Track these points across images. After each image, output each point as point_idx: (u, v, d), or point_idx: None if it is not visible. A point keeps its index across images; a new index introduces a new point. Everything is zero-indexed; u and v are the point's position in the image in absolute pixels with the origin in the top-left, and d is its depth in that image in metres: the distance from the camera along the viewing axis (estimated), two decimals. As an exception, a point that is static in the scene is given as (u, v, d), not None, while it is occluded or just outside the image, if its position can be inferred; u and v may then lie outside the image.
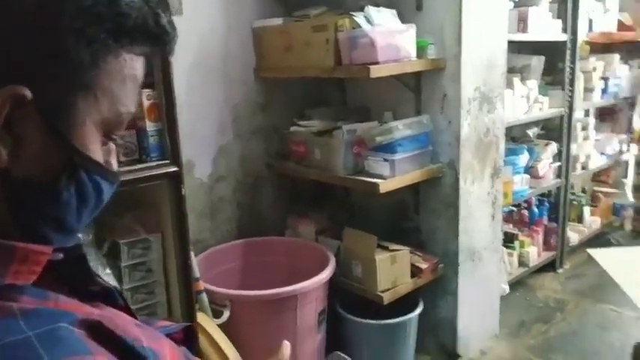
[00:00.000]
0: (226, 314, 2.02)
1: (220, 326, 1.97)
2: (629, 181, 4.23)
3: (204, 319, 1.95)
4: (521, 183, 3.10)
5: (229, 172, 2.48)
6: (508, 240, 3.30)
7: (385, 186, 2.14)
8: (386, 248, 2.26)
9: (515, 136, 3.48)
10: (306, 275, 2.10)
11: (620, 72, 3.78)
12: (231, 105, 2.44)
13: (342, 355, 0.99)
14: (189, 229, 1.74)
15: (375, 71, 2.00)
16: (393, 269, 2.23)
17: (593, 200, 4.12)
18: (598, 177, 4.36)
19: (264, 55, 2.46)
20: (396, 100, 2.42)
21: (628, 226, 4.17)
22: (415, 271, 2.32)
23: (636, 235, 4.13)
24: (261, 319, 2.06)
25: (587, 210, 3.90)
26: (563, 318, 3.02)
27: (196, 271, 1.99)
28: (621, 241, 3.98)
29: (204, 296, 2.02)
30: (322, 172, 2.35)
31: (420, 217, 2.48)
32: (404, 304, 2.32)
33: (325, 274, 2.12)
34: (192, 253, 1.84)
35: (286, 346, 1.01)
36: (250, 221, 2.57)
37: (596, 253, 1.48)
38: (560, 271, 3.56)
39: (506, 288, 3.03)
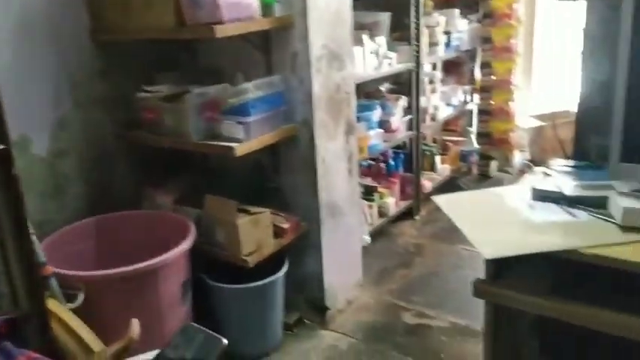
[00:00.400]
0: (80, 297, 1.89)
1: (76, 311, 1.84)
2: (473, 129, 4.57)
3: (55, 306, 1.81)
4: (375, 137, 3.22)
5: (72, 146, 2.28)
6: (368, 193, 3.43)
7: (241, 149, 2.10)
8: (247, 211, 2.24)
9: (368, 92, 3.59)
10: (167, 247, 2.02)
11: (460, 26, 4.02)
12: (67, 72, 2.23)
13: (195, 325, 0.95)
14: (30, 211, 1.57)
15: (220, 31, 1.93)
16: (255, 232, 2.22)
17: (444, 149, 4.41)
18: (446, 127, 4.67)
19: (98, 16, 2.26)
20: (247, 62, 2.36)
21: (474, 171, 4.54)
22: (278, 232, 2.34)
23: (482, 178, 4.51)
24: (121, 298, 1.95)
25: (438, 159, 4.16)
26: (422, 261, 3.23)
27: (41, 256, 1.83)
28: (469, 185, 4.33)
29: (54, 281, 1.86)
30: (175, 138, 2.25)
31: (280, 177, 2.48)
32: (270, 265, 2.33)
33: (185, 245, 2.06)
34: (34, 237, 1.68)
35: (135, 324, 0.97)
36: (102, 196, 2.41)
37: (439, 199, 1.57)
38: (417, 218, 3.79)
39: (368, 238, 3.16)
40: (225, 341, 0.90)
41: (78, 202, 2.33)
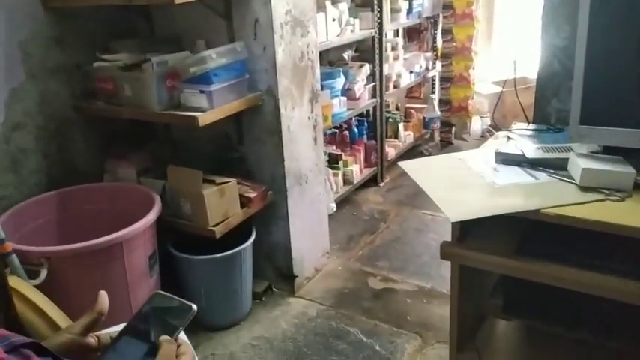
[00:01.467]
0: (44, 273, 1.85)
1: (40, 287, 1.80)
2: (435, 96, 4.61)
3: (18, 283, 1.77)
4: (339, 105, 3.21)
5: (28, 118, 2.20)
6: (333, 161, 3.44)
7: (204, 119, 2.06)
8: (213, 182, 2.22)
9: (332, 59, 3.57)
10: (132, 220, 1.99)
11: (421, -8, 4.01)
12: (18, 41, 2.13)
13: (163, 292, 0.95)
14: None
15: (179, -4, 1.88)
16: (222, 202, 2.21)
17: (407, 116, 4.44)
18: (409, 94, 4.69)
19: (51, -18, 2.17)
20: (208, 28, 2.31)
21: (437, 138, 4.60)
22: (245, 202, 2.33)
23: (444, 144, 4.58)
24: (86, 273, 1.92)
25: (401, 126, 4.19)
26: (387, 227, 3.28)
27: (0, 232, 1.78)
28: (432, 152, 4.39)
29: (15, 258, 1.82)
30: (135, 109, 2.19)
31: (245, 146, 2.46)
32: (238, 235, 2.33)
33: (151, 217, 2.03)
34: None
35: (103, 296, 0.95)
36: (62, 170, 2.34)
37: (406, 165, 1.59)
38: (381, 185, 3.84)
39: (334, 206, 3.19)
40: (195, 307, 0.90)
41: (37, 176, 2.27)
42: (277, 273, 2.63)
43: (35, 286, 1.79)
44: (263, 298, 2.59)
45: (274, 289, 2.64)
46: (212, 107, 2.09)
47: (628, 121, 1.30)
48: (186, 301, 0.91)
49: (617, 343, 1.34)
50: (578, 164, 1.31)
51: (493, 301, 1.46)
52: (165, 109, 2.15)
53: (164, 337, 0.85)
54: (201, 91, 2.08)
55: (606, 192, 1.27)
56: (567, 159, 1.39)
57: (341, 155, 3.50)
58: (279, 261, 2.61)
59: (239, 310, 2.44)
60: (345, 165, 3.52)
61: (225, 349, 2.29)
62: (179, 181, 2.24)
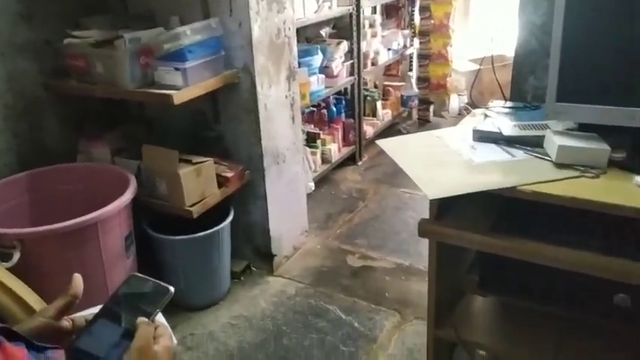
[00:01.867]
0: (16, 256, 1.81)
1: (13, 270, 1.76)
2: (413, 74, 4.60)
3: (-11, 266, 1.73)
4: (317, 83, 3.18)
5: (-4, 97, 2.14)
6: (311, 140, 3.43)
7: (179, 97, 2.03)
8: (189, 161, 2.19)
9: (309, 36, 3.52)
10: (106, 201, 1.96)
11: (399, -31, 3.97)
12: (-16, 17, 2.06)
13: (139, 275, 0.93)
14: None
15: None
16: (198, 182, 2.18)
17: (385, 94, 4.43)
18: (387, 72, 4.68)
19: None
20: (182, 4, 2.25)
21: (415, 116, 4.60)
22: (222, 181, 2.30)
23: (422, 122, 4.59)
24: (60, 255, 1.89)
25: (379, 104, 4.18)
26: (365, 205, 3.29)
27: (-30, 215, 1.74)
28: (410, 130, 4.40)
29: (-15, 240, 1.78)
30: (108, 87, 2.14)
31: (222, 125, 2.43)
32: (215, 215, 2.31)
33: (126, 197, 2.00)
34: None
35: (77, 278, 0.93)
36: (33, 150, 2.29)
37: (384, 143, 1.58)
38: (359, 163, 3.84)
39: (312, 185, 3.18)
40: (172, 289, 0.89)
41: (7, 156, 2.21)
42: (256, 252, 2.62)
43: (8, 269, 1.76)
44: (242, 278, 2.58)
45: (253, 268, 2.64)
46: (187, 85, 2.05)
47: (604, 98, 1.30)
48: (163, 283, 0.89)
49: (590, 318, 1.36)
50: (554, 141, 1.32)
51: (470, 278, 1.47)
52: (139, 87, 2.11)
53: (141, 320, 0.83)
54: (176, 69, 2.04)
55: (581, 169, 1.28)
56: (544, 136, 1.40)
57: (319, 134, 3.49)
58: (257, 240, 2.60)
59: (218, 290, 2.43)
60: (323, 143, 3.51)
61: (204, 329, 2.28)
62: (154, 160, 2.20)
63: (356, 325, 2.27)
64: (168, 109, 2.22)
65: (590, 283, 1.25)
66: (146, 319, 0.84)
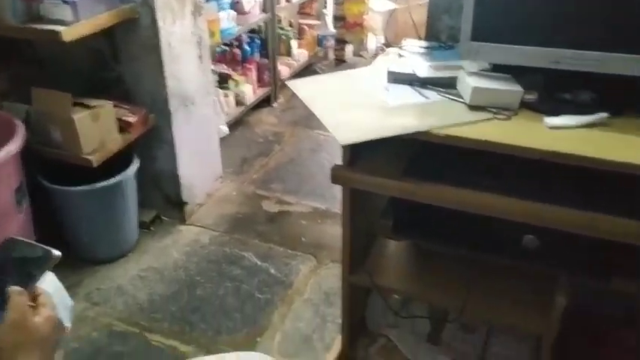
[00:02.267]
0: None
1: None
2: (329, 12, 4.47)
3: None
4: (227, 20, 3.00)
5: None
6: (223, 81, 3.27)
7: (69, 33, 1.82)
8: (85, 105, 2.00)
9: (218, -31, 3.29)
10: (-9, 150, 1.76)
11: None
12: None
13: (18, 238, 0.83)
14: None
15: None
16: (96, 127, 2.01)
17: (300, 33, 4.29)
18: (302, 10, 4.51)
19: None
20: None
21: (331, 56, 4.50)
22: (124, 126, 2.14)
23: (338, 63, 4.50)
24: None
25: (294, 43, 4.05)
26: (281, 149, 3.21)
27: None
28: (326, 71, 4.31)
29: None
30: (-14, 22, 1.89)
31: (121, 65, 2.23)
32: (120, 163, 2.15)
33: (13, 147, 1.80)
34: None
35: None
36: None
37: (294, 84, 1.50)
38: (275, 105, 3.73)
39: (226, 129, 3.06)
40: (56, 253, 0.82)
41: None
42: (166, 201, 2.50)
43: None
44: (151, 228, 2.46)
45: (163, 217, 2.52)
46: (78, 20, 1.85)
47: (518, 38, 1.27)
48: (45, 247, 0.82)
49: (500, 260, 1.38)
50: (468, 83, 1.28)
51: (383, 223, 1.45)
52: (23, 23, 1.88)
53: (13, 289, 0.75)
54: (64, 2, 1.84)
55: (494, 110, 1.26)
56: (457, 77, 1.36)
57: (231, 74, 3.33)
58: (166, 188, 2.47)
59: (125, 242, 2.30)
60: (237, 85, 3.35)
61: (112, 283, 2.17)
62: (46, 104, 2.00)
63: (272, 271, 2.23)
64: (61, 47, 1.99)
65: (500, 226, 1.25)
66: (18, 288, 0.75)
